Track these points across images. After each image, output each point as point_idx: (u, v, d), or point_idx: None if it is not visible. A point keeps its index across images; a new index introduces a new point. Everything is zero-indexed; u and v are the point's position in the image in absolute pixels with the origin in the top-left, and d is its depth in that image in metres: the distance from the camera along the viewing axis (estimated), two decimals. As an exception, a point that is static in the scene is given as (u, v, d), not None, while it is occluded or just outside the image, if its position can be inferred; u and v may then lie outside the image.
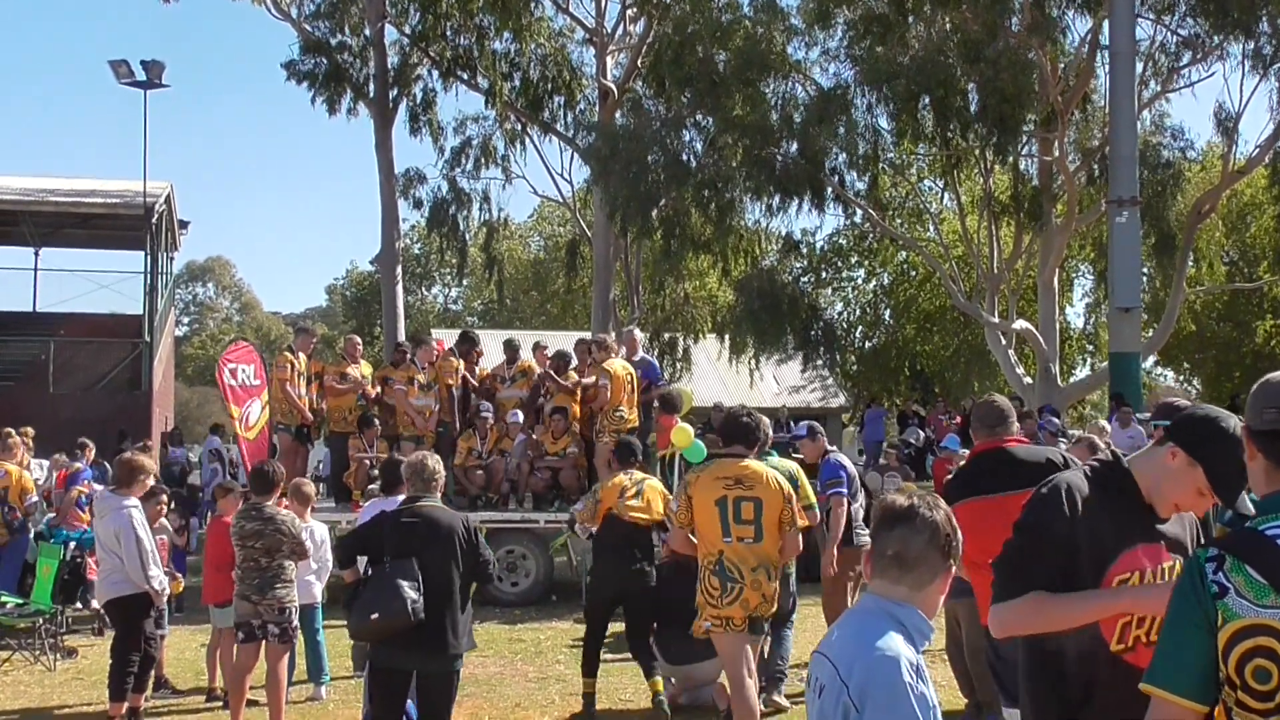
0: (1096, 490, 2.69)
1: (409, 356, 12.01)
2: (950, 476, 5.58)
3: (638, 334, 12.74)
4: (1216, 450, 2.56)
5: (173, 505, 15.13)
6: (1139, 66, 14.85)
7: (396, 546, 5.17)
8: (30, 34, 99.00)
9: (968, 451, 11.88)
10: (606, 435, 10.53)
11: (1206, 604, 2.06)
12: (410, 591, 5.01)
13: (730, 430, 5.95)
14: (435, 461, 5.51)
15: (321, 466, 12.93)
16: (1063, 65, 16.58)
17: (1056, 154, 16.34)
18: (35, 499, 10.33)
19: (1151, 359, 22.92)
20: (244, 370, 11.93)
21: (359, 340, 12.61)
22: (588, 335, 14.28)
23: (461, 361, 12.08)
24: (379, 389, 11.77)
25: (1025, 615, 2.61)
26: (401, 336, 18.02)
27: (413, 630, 5.06)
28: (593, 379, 11.15)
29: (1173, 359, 29.78)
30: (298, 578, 7.02)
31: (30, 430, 10.91)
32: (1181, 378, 34.46)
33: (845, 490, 7.55)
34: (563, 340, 13.94)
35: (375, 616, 5.04)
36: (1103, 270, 19.49)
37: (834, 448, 8.10)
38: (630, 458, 7.64)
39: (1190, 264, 17.78)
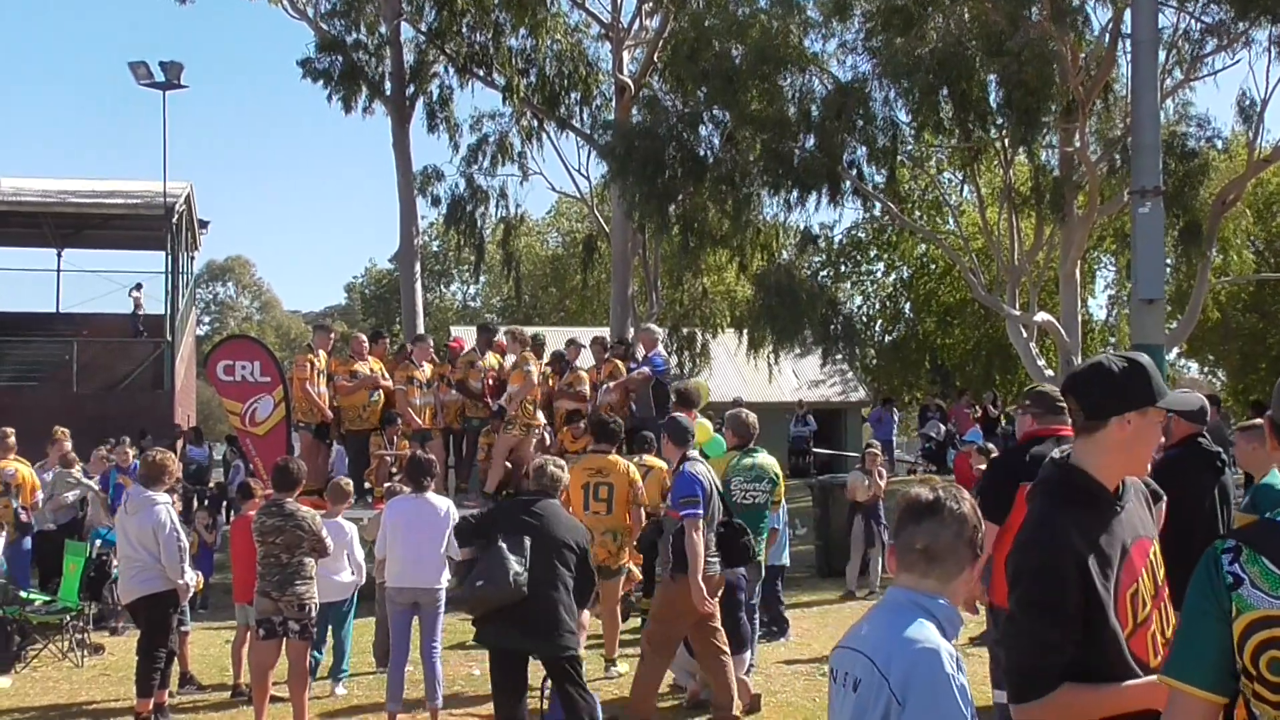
0: (1066, 510, 2.52)
1: (408, 355, 11.99)
2: (1001, 456, 5.49)
3: (655, 329, 12.78)
4: (1087, 383, 2.65)
5: (205, 503, 15.28)
6: (1161, 55, 14.61)
7: (510, 527, 5.44)
8: (50, 37, 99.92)
9: (989, 445, 11.82)
10: (516, 427, 10.95)
11: (1221, 595, 2.03)
12: (515, 565, 5.27)
13: (597, 431, 8.07)
14: (556, 467, 5.83)
15: (333, 467, 12.95)
16: (1084, 55, 16.39)
17: (1077, 144, 16.16)
18: (42, 497, 10.50)
19: (1175, 351, 22.70)
20: (245, 366, 11.98)
21: (364, 337, 12.54)
22: (602, 331, 14.26)
23: (486, 355, 11.99)
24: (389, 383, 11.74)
25: (1057, 714, 2.43)
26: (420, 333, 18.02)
27: (517, 609, 5.28)
28: (516, 367, 11.08)
29: (1197, 351, 29.45)
30: (327, 574, 7.06)
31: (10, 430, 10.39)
32: (1206, 369, 34.13)
33: (701, 512, 5.98)
34: (581, 337, 13.94)
35: (480, 584, 5.30)
36: (1126, 262, 19.31)
37: (695, 455, 6.48)
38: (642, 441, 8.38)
39: (1215, 254, 17.55)
